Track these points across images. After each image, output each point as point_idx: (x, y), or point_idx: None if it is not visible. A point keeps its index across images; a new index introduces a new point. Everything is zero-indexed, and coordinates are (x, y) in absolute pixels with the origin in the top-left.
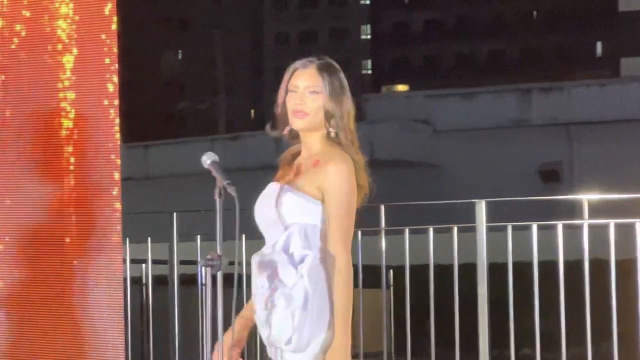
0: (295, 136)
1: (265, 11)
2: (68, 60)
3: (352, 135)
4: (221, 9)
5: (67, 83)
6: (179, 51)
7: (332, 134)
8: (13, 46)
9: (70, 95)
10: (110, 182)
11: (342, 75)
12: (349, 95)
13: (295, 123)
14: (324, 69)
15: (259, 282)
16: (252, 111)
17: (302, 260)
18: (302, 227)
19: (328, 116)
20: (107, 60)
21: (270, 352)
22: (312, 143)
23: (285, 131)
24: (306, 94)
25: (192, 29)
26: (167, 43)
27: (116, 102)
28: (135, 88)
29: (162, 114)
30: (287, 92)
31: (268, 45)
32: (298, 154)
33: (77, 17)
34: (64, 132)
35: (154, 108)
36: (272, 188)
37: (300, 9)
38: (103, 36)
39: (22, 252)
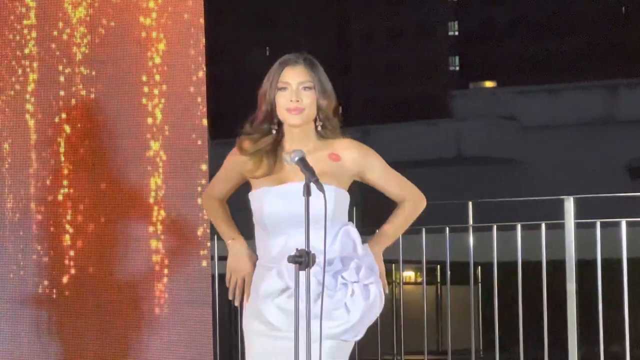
0: (265, 133)
1: (351, 8)
2: (156, 51)
3: (336, 123)
4: (307, 6)
5: (157, 78)
6: (266, 48)
7: (319, 127)
8: (97, 40)
9: (159, 87)
10: (197, 175)
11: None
12: (332, 86)
13: (291, 119)
14: (311, 64)
15: (331, 282)
16: (339, 107)
17: (370, 255)
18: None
19: (320, 110)
20: (192, 52)
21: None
22: (305, 137)
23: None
24: (300, 89)
25: (279, 26)
26: (254, 40)
27: (203, 88)
28: (223, 85)
29: (250, 111)
30: (276, 90)
31: (354, 42)
32: (274, 146)
33: (166, 8)
34: (150, 121)
35: (241, 105)
36: (298, 188)
37: (387, 5)
38: (189, 26)
39: (111, 240)
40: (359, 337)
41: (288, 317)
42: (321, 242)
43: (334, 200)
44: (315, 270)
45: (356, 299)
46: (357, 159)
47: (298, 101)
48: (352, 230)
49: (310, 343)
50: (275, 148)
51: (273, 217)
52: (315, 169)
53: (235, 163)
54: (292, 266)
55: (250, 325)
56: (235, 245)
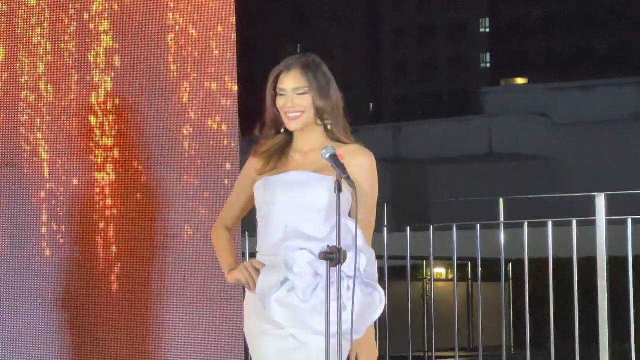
0: (274, 136)
1: (383, 5)
2: (187, 47)
3: (344, 124)
4: (339, 3)
5: (188, 82)
6: (298, 45)
7: (329, 127)
8: (127, 33)
9: (191, 91)
10: (227, 171)
11: (325, 67)
12: (335, 85)
13: (290, 125)
14: (307, 67)
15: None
16: (371, 104)
17: (368, 250)
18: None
19: (320, 112)
20: (223, 48)
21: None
22: (312, 138)
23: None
24: (294, 95)
25: (310, 23)
26: (286, 37)
27: (235, 84)
28: (254, 82)
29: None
30: (275, 95)
31: (386, 39)
32: (284, 145)
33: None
34: (181, 116)
35: None
36: (301, 176)
37: (418, 2)
38: (221, 22)
39: (142, 236)
40: (357, 337)
41: (289, 311)
42: (315, 231)
43: (331, 190)
44: (311, 259)
45: (352, 295)
46: (359, 167)
47: (292, 107)
48: (351, 224)
49: (338, 341)
50: (284, 147)
51: (271, 204)
52: (319, 162)
53: (246, 176)
54: (290, 254)
55: (254, 326)
56: (232, 273)
